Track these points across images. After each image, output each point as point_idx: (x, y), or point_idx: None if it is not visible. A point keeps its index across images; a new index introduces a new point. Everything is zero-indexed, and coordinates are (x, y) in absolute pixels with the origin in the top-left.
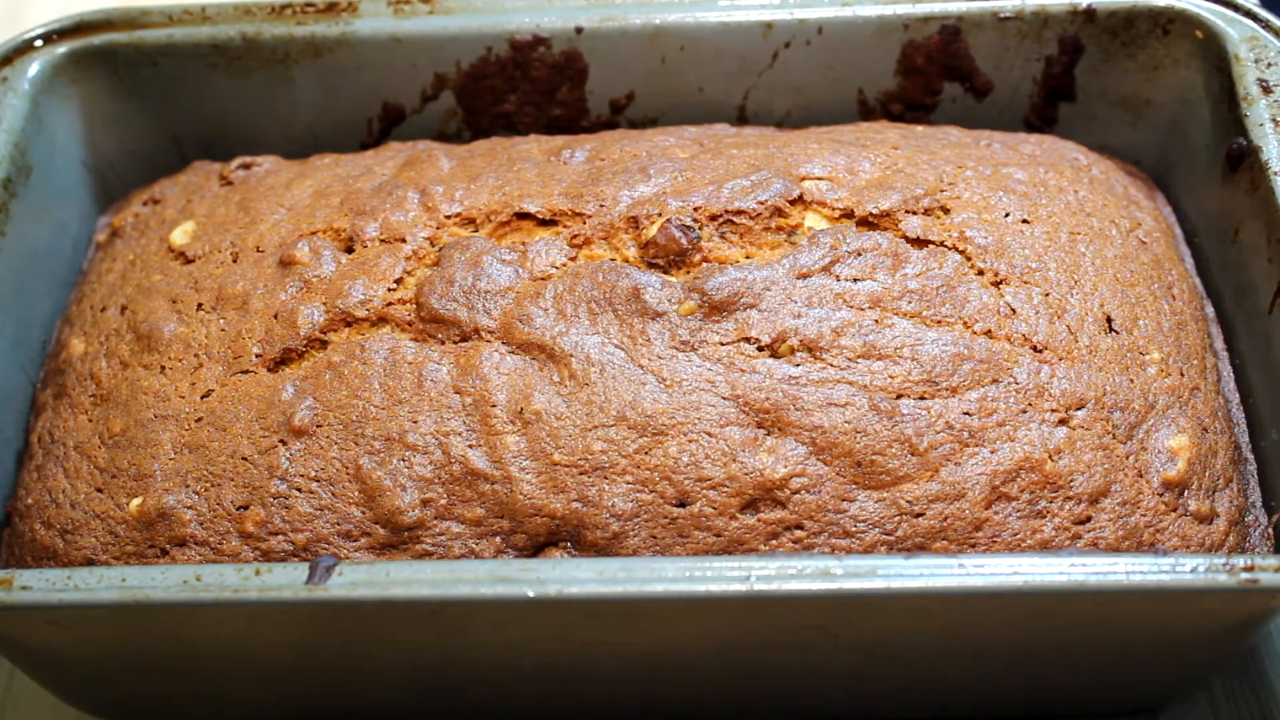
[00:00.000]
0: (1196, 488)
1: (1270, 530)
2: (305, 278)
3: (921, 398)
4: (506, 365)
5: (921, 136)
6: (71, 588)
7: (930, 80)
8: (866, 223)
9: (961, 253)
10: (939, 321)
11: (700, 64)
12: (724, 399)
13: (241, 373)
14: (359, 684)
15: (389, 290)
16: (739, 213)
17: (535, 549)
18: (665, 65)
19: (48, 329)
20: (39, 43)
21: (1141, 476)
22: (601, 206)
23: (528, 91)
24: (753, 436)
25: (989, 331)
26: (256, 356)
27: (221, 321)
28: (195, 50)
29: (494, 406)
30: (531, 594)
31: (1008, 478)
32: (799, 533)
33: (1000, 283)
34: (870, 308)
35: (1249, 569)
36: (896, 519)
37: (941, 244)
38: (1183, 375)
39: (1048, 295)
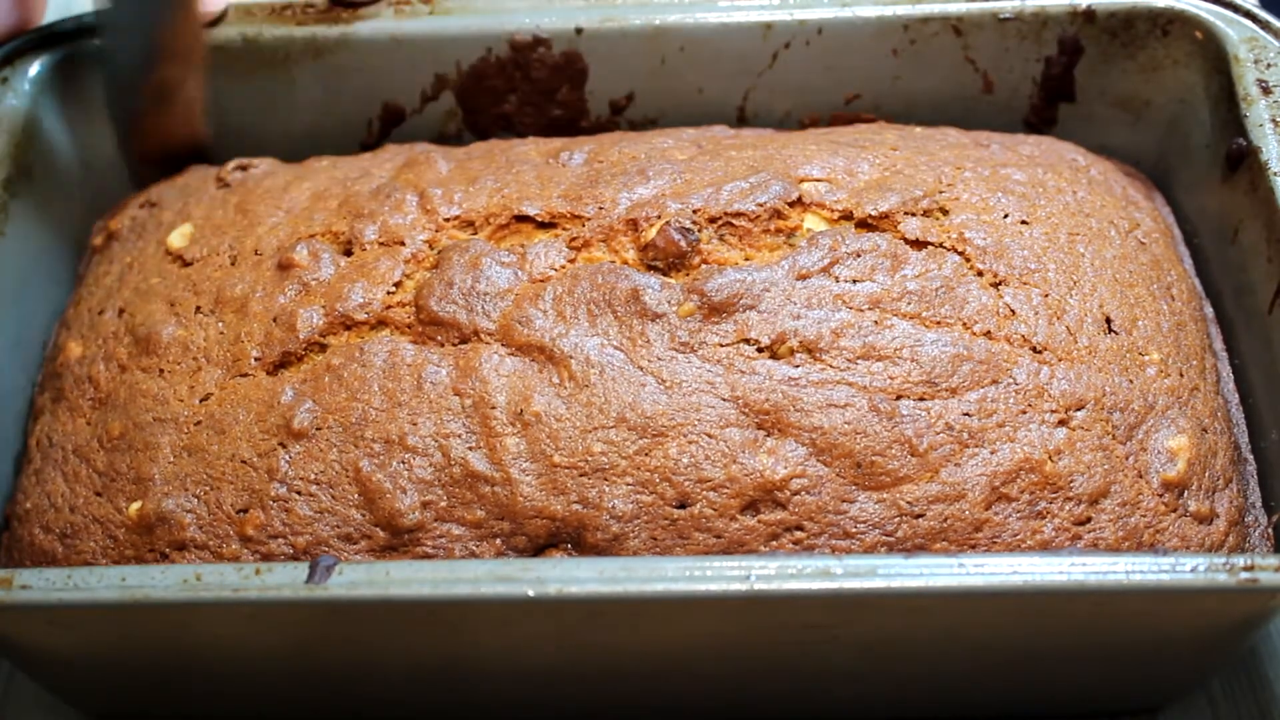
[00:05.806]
0: (1196, 488)
1: (1270, 530)
2: (304, 281)
3: (921, 399)
4: (506, 367)
5: (920, 138)
6: (71, 587)
7: None
8: (865, 224)
9: (961, 254)
10: (938, 322)
11: (700, 64)
12: (724, 400)
13: (240, 376)
14: (359, 684)
15: (388, 293)
16: (738, 215)
17: (536, 551)
18: (665, 66)
19: (47, 331)
20: (39, 43)
21: (1141, 477)
22: (600, 209)
23: (527, 92)
24: (753, 438)
25: (988, 332)
26: (255, 360)
27: (220, 325)
28: None
29: (493, 408)
30: (531, 594)
31: (1007, 478)
32: (799, 534)
33: (999, 284)
34: (869, 309)
35: (1249, 569)
36: (896, 520)
37: (940, 245)
38: (1182, 376)
39: (1047, 296)
